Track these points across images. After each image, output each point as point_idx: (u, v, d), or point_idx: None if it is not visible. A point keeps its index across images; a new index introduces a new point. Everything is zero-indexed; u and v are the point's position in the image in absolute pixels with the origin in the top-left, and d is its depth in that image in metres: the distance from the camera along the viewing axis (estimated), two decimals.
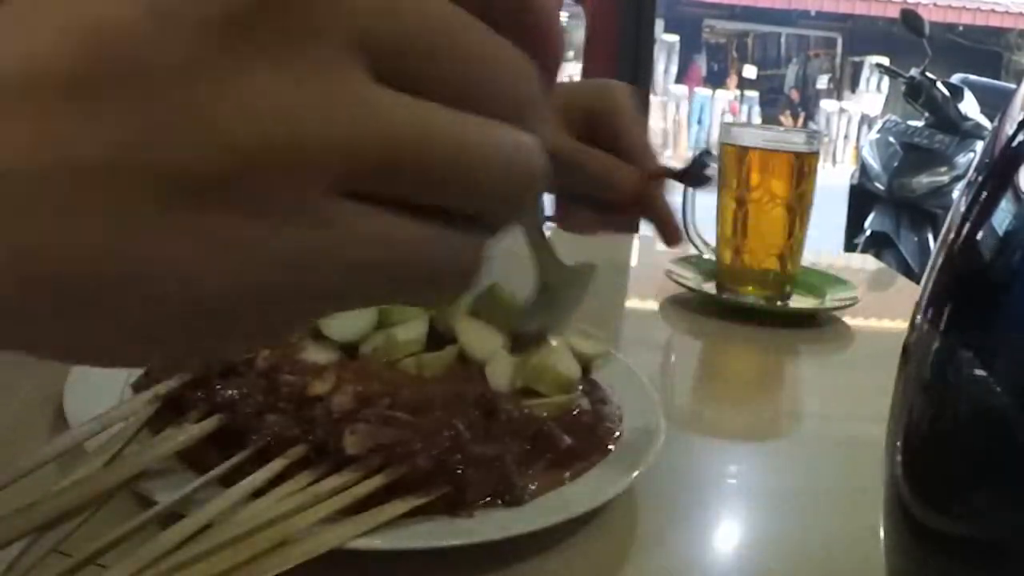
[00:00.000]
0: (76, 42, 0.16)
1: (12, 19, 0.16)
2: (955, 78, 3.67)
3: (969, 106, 3.37)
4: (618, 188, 0.64)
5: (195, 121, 0.16)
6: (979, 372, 0.24)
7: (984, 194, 0.25)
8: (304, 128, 0.17)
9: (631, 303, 0.93)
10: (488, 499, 0.40)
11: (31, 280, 0.16)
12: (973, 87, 3.51)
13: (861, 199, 3.43)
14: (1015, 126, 0.25)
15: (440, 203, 0.19)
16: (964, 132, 3.28)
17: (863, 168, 3.48)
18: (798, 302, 0.83)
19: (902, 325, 0.28)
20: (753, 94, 11.07)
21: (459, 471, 0.39)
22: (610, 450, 0.45)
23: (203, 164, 0.16)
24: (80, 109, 0.16)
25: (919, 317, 0.27)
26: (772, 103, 11.01)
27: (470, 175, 0.19)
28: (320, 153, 0.17)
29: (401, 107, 0.18)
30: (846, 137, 9.98)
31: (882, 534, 0.29)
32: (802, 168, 0.80)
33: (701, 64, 11.56)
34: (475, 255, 0.20)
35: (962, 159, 3.20)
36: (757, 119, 10.43)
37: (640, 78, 2.73)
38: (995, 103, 3.18)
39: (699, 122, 10.39)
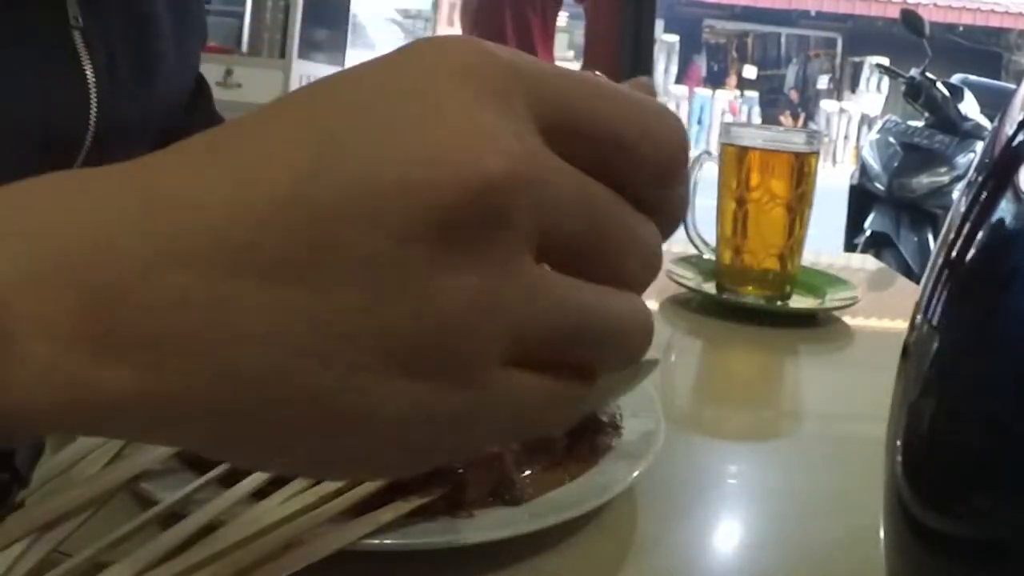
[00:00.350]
0: (284, 225, 0.19)
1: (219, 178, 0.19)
2: (955, 78, 3.67)
3: (969, 106, 3.37)
4: None
5: (414, 301, 0.19)
6: (979, 372, 0.24)
7: (984, 194, 0.25)
8: (493, 312, 0.20)
9: None
10: (488, 499, 0.40)
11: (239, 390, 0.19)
12: (973, 87, 3.51)
13: (861, 199, 3.43)
14: (1015, 126, 0.25)
15: (573, 362, 0.22)
16: (964, 132, 3.28)
17: (863, 168, 3.48)
18: (798, 302, 0.83)
19: (902, 325, 0.28)
20: (753, 94, 11.08)
21: (459, 470, 0.39)
22: (610, 450, 0.45)
23: (417, 338, 0.19)
24: (315, 279, 0.19)
25: (919, 317, 0.27)
26: (772, 103, 11.02)
27: (613, 342, 0.23)
28: (499, 331, 0.20)
29: (561, 290, 0.21)
30: (846, 137, 9.99)
31: (882, 534, 0.29)
32: (802, 168, 0.80)
33: (701, 64, 11.57)
34: (582, 400, 0.23)
35: (962, 159, 3.20)
36: (757, 119, 10.44)
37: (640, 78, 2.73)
38: (995, 103, 3.18)
39: (699, 122, 10.40)
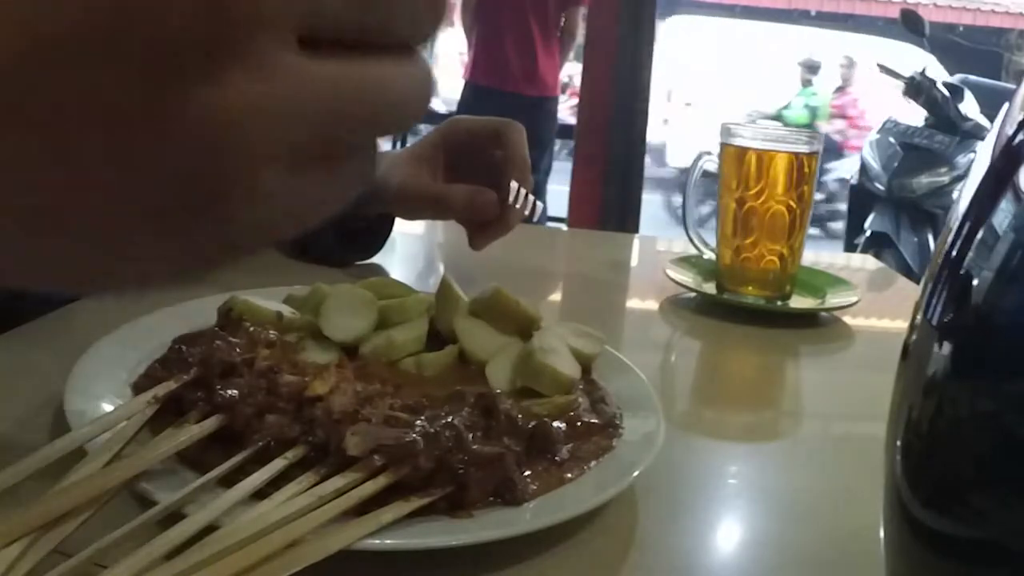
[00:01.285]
0: None
1: None
2: (955, 78, 3.67)
3: (969, 106, 3.37)
4: (478, 213, 0.78)
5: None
6: (979, 372, 0.24)
7: (984, 194, 0.25)
8: (262, 118, 0.18)
9: (631, 303, 0.93)
10: (490, 499, 0.40)
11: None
12: (973, 87, 3.51)
13: (861, 199, 3.43)
14: (1015, 126, 0.25)
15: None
16: (964, 132, 3.28)
17: (863, 168, 3.48)
18: (798, 302, 0.83)
19: (902, 325, 0.28)
20: None
21: (461, 471, 0.39)
22: (610, 450, 0.45)
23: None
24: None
25: (919, 317, 0.27)
26: None
27: (386, 118, 0.21)
28: (270, 140, 0.18)
29: (327, 81, 0.19)
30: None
31: (882, 534, 0.29)
32: (802, 168, 0.80)
33: None
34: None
35: (962, 159, 3.20)
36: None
37: (640, 78, 2.73)
38: (995, 103, 3.18)
39: None
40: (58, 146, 0.17)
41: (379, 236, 0.84)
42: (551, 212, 3.43)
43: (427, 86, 0.21)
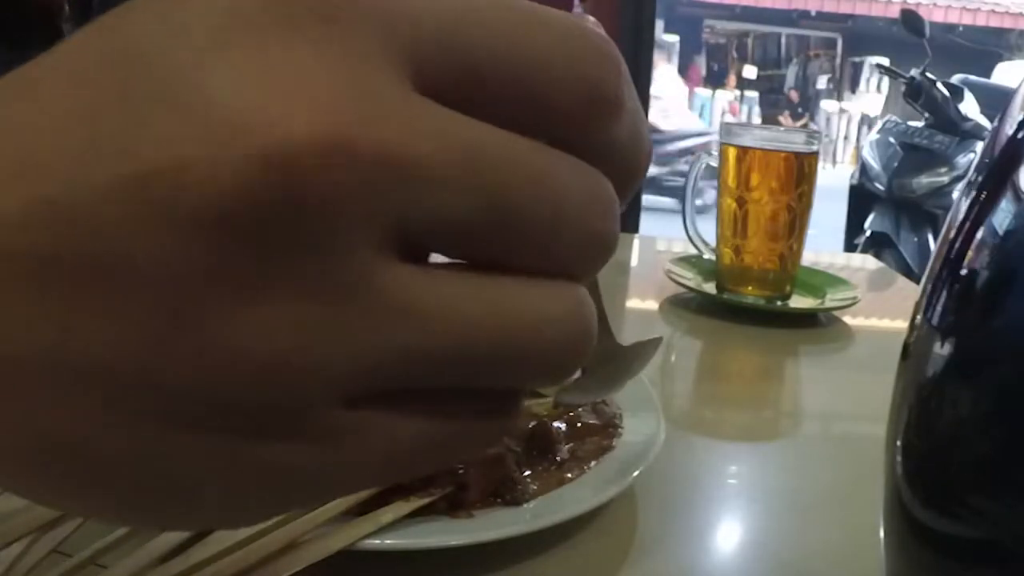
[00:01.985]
0: (41, 217, 0.13)
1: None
2: (955, 78, 3.67)
3: (969, 106, 3.36)
4: None
5: (194, 338, 0.13)
6: (979, 372, 0.24)
7: (984, 194, 0.25)
8: (319, 351, 0.14)
9: (631, 303, 0.93)
10: (490, 499, 0.40)
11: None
12: (973, 87, 3.51)
13: (861, 199, 3.43)
14: (1015, 126, 0.25)
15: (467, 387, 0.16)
16: (964, 132, 3.28)
17: (863, 168, 3.48)
18: (798, 302, 0.83)
19: (902, 325, 0.28)
20: (753, 94, 11.07)
21: (461, 471, 0.39)
22: (610, 450, 0.45)
23: (204, 385, 0.14)
24: (59, 296, 0.13)
25: (919, 317, 0.27)
26: (772, 103, 11.01)
27: (524, 362, 0.16)
28: (334, 376, 0.14)
29: (432, 305, 0.14)
30: (846, 137, 9.98)
31: (882, 534, 0.29)
32: (802, 168, 0.80)
33: (701, 64, 11.56)
34: (498, 429, 0.17)
35: (962, 159, 3.20)
36: (757, 119, 10.43)
37: (640, 78, 2.73)
38: (995, 103, 3.17)
39: None
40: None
41: None
42: None
43: (584, 329, 0.16)
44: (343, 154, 0.13)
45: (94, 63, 0.14)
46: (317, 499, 0.17)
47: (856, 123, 10.01)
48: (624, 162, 0.17)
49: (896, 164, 3.29)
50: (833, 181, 3.82)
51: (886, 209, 3.29)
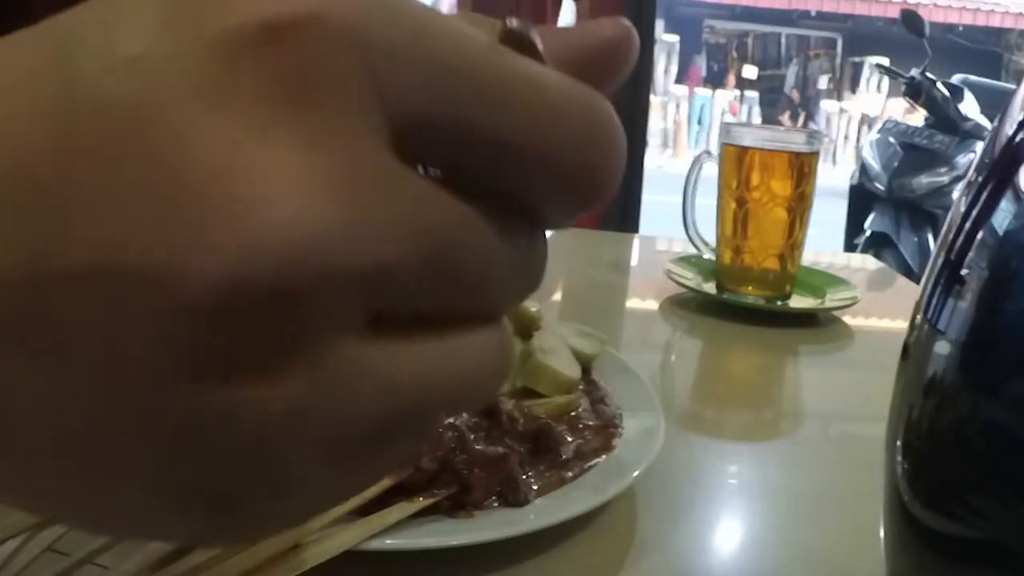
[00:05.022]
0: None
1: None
2: (955, 78, 3.67)
3: (969, 106, 3.36)
4: None
5: (173, 433, 0.14)
6: (979, 372, 0.24)
7: (984, 194, 0.25)
8: (290, 431, 0.14)
9: (631, 303, 0.93)
10: (493, 500, 0.40)
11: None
12: (973, 87, 3.51)
13: (861, 199, 3.43)
14: (1015, 126, 0.25)
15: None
16: (964, 132, 3.28)
17: (863, 168, 3.48)
18: (798, 302, 0.83)
19: (902, 325, 0.28)
20: (753, 94, 11.07)
21: (464, 471, 0.39)
22: (610, 450, 0.45)
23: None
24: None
25: (919, 317, 0.27)
26: (772, 103, 11.01)
27: (455, 404, 0.18)
28: (307, 444, 0.15)
29: (388, 373, 0.15)
30: (846, 137, 9.98)
31: (882, 534, 0.29)
32: (802, 168, 0.80)
33: (701, 64, 11.56)
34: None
35: (962, 159, 3.20)
36: (757, 119, 10.43)
37: (640, 78, 2.74)
38: (995, 103, 3.18)
39: (699, 122, 10.40)
40: None
41: None
42: None
43: (505, 362, 0.18)
44: (318, 262, 0.13)
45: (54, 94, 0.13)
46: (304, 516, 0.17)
47: (856, 123, 10.01)
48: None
49: (896, 164, 3.29)
50: (833, 181, 3.83)
51: (886, 209, 3.29)
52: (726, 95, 10.87)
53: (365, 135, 0.14)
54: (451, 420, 0.40)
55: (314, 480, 0.15)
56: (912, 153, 3.29)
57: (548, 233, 0.18)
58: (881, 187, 3.31)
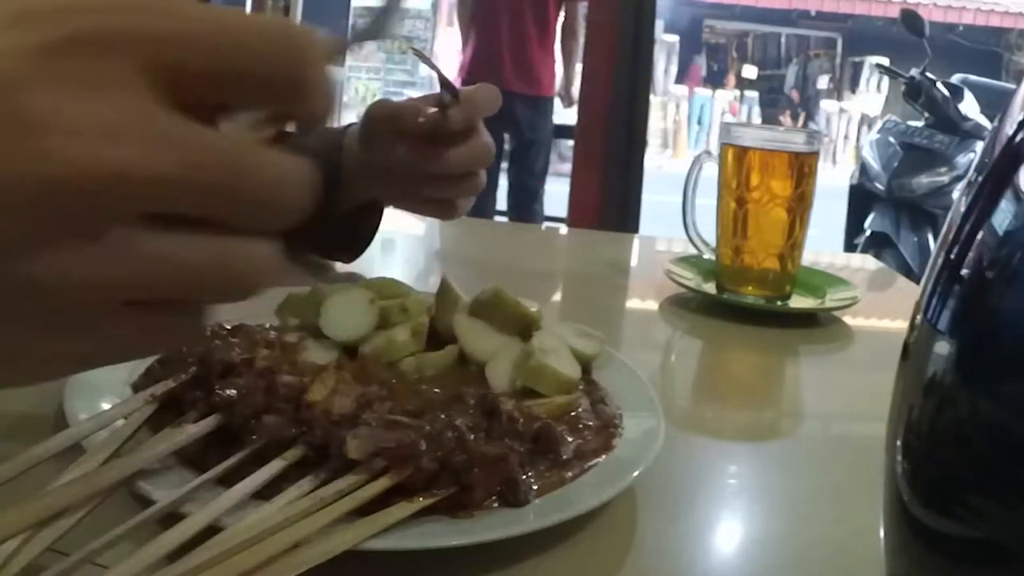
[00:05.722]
0: None
1: None
2: (955, 78, 3.67)
3: (969, 106, 3.36)
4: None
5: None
6: (979, 372, 0.24)
7: (984, 194, 0.25)
8: (103, 157, 0.21)
9: (631, 303, 0.93)
10: (493, 500, 0.40)
11: None
12: (973, 87, 3.51)
13: (861, 199, 3.43)
14: (1015, 126, 0.25)
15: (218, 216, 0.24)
16: (964, 132, 3.28)
17: (863, 168, 3.48)
18: (798, 302, 0.83)
19: (902, 325, 0.28)
20: (753, 94, 11.06)
21: (464, 471, 0.39)
22: (610, 450, 0.45)
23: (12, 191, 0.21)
24: None
25: (919, 317, 0.27)
26: (772, 103, 11.01)
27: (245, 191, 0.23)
28: (119, 180, 0.21)
29: (188, 134, 0.22)
30: (846, 137, 9.98)
31: (882, 534, 0.29)
32: (802, 168, 0.80)
33: (701, 64, 11.56)
34: (258, 254, 0.25)
35: (962, 159, 3.20)
36: (757, 119, 10.43)
37: (640, 78, 2.73)
38: (995, 103, 3.17)
39: (699, 122, 10.39)
40: None
41: (361, 230, 0.78)
42: (550, 212, 3.42)
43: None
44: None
45: None
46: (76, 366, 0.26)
47: (856, 123, 10.01)
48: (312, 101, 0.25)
49: (896, 164, 3.29)
50: (833, 181, 3.82)
51: (886, 209, 3.29)
52: (726, 95, 10.87)
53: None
54: (451, 420, 0.40)
55: (105, 328, 0.24)
56: (912, 153, 3.29)
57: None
58: (881, 187, 3.31)
